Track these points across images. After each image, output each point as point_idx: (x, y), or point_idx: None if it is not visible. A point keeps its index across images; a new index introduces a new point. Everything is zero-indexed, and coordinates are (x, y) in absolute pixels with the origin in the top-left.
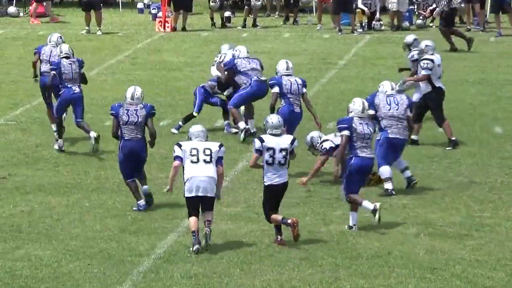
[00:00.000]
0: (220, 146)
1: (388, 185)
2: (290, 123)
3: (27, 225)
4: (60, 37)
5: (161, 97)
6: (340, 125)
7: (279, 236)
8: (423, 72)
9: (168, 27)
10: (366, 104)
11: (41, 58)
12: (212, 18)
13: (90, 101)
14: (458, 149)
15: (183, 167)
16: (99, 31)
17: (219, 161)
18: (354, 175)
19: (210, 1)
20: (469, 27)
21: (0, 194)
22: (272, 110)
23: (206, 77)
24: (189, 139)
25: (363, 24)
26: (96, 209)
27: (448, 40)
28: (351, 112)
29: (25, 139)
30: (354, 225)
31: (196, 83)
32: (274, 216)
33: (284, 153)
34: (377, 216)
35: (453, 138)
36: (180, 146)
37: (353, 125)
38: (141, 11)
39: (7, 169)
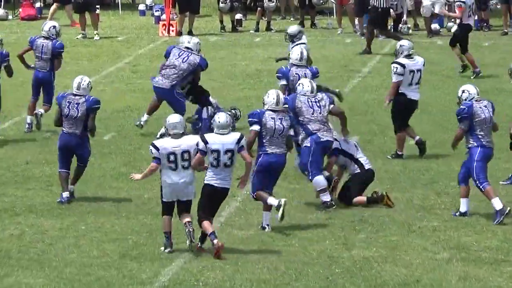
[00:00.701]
0: (197, 142)
1: (325, 197)
2: None
3: (17, 250)
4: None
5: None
6: (250, 119)
7: (199, 243)
8: (393, 79)
9: (172, 31)
10: (282, 96)
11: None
12: (221, 21)
13: None
14: (494, 166)
15: (160, 170)
16: (97, 35)
17: (200, 152)
18: (263, 172)
19: (220, 2)
20: (506, 30)
21: None
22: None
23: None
24: (166, 129)
25: (389, 27)
26: (93, 233)
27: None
28: (265, 104)
29: (14, 156)
30: (267, 225)
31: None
32: (205, 223)
33: (229, 154)
34: (280, 212)
35: (400, 153)
36: (157, 148)
37: (263, 119)
38: (142, 13)
39: None
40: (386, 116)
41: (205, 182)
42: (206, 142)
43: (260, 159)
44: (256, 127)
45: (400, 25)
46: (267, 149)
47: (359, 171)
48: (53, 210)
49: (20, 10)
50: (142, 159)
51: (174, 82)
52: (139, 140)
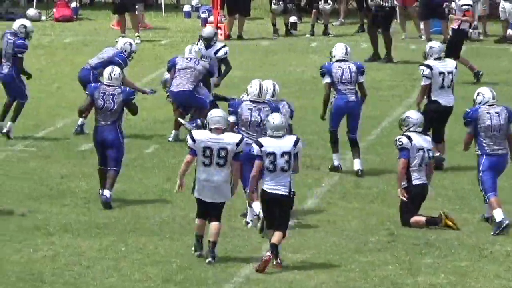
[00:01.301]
0: (239, 142)
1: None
2: (349, 115)
3: (51, 273)
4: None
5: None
6: (229, 109)
7: (268, 252)
8: (422, 82)
9: (221, 34)
10: (265, 86)
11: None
12: (274, 24)
13: (127, 123)
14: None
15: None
16: (138, 38)
17: (236, 157)
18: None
19: (272, 4)
20: None
21: (18, 236)
22: (326, 104)
23: None
24: (207, 124)
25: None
26: (134, 255)
27: None
28: (247, 95)
29: (48, 169)
30: (251, 220)
31: None
32: (271, 233)
33: (286, 157)
34: (258, 225)
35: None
36: (194, 140)
37: (239, 109)
38: (188, 15)
39: (26, 205)
40: (458, 129)
41: (262, 188)
42: (260, 145)
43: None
44: (232, 118)
45: (470, 30)
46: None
47: (405, 185)
48: (90, 229)
49: (54, 10)
50: (187, 174)
51: (194, 83)
52: (184, 153)
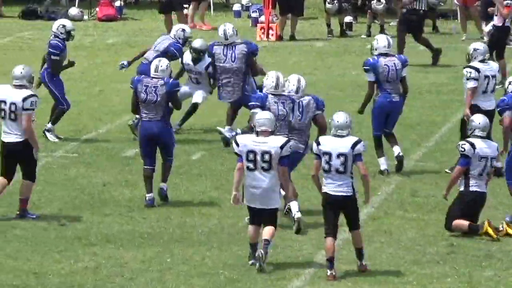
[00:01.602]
0: (284, 145)
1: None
2: (391, 115)
3: (92, 285)
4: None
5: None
6: (252, 102)
7: (328, 271)
8: (467, 85)
9: (272, 35)
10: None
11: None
12: (328, 25)
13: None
14: None
15: None
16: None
17: (282, 161)
18: None
19: (326, 3)
20: None
21: (58, 246)
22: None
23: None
24: (253, 127)
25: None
26: (179, 266)
27: None
28: (264, 87)
29: (89, 176)
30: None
31: None
32: (327, 243)
33: (342, 159)
34: (294, 227)
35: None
36: (237, 143)
37: (267, 103)
38: (238, 14)
39: (67, 214)
40: None
41: (324, 191)
42: (318, 144)
43: None
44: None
45: None
46: None
47: (462, 189)
48: (133, 239)
49: (97, 9)
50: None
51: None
52: (233, 160)
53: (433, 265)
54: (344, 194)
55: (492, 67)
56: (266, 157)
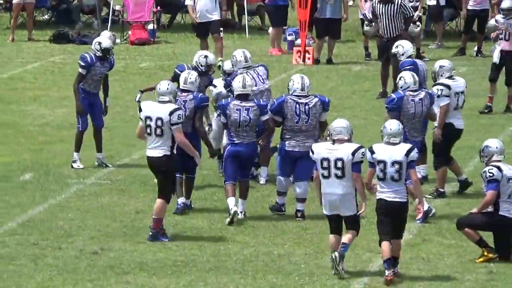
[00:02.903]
0: (355, 151)
1: (279, 200)
2: None
3: None
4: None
5: None
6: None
7: (387, 271)
8: (439, 103)
9: (309, 58)
10: (307, 80)
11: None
12: (366, 48)
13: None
14: None
15: None
16: (221, 62)
17: (354, 167)
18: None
19: (364, 25)
20: None
21: (90, 274)
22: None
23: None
24: (329, 135)
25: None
26: None
27: None
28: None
29: (122, 203)
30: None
31: None
32: (383, 246)
33: (397, 166)
34: (228, 219)
35: (442, 190)
36: (312, 151)
37: (227, 111)
38: None
39: (100, 242)
40: None
41: (377, 197)
42: (372, 152)
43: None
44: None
45: None
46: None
47: (490, 210)
48: (166, 267)
49: (130, 33)
50: (275, 214)
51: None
52: (266, 187)
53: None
54: (400, 200)
55: (460, 83)
56: (339, 164)
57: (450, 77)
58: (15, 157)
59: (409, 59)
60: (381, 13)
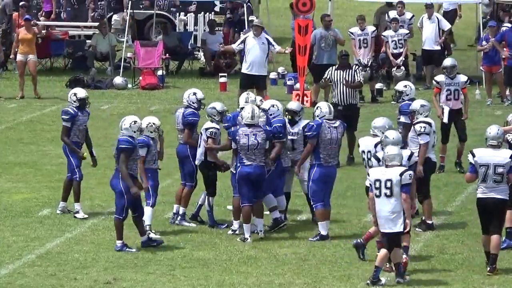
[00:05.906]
0: (402, 173)
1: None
2: None
3: None
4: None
5: None
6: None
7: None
8: (421, 140)
9: (307, 101)
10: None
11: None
12: (360, 91)
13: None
14: None
15: None
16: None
17: (404, 188)
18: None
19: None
20: None
21: None
22: None
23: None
24: (384, 161)
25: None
26: None
27: None
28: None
29: (133, 236)
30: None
31: None
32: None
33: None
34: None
35: (431, 222)
36: (368, 174)
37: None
38: (274, 82)
39: (113, 272)
40: None
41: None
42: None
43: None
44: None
45: None
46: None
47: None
48: None
49: (141, 78)
50: (275, 245)
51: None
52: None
53: None
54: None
55: (433, 122)
56: (388, 184)
57: (426, 117)
58: (34, 194)
59: (410, 102)
60: (337, 80)
